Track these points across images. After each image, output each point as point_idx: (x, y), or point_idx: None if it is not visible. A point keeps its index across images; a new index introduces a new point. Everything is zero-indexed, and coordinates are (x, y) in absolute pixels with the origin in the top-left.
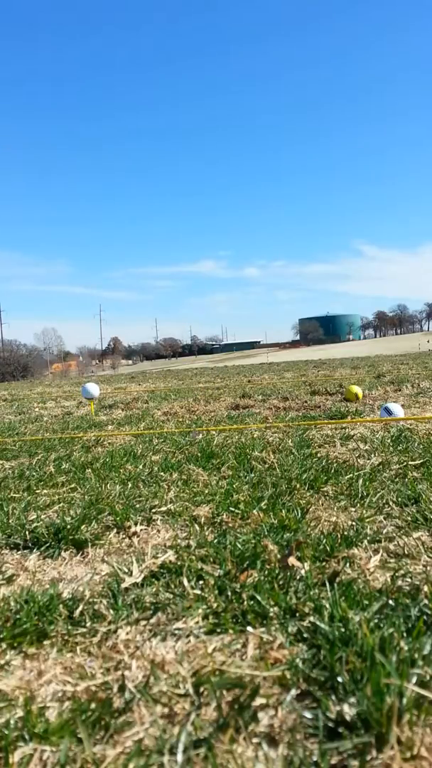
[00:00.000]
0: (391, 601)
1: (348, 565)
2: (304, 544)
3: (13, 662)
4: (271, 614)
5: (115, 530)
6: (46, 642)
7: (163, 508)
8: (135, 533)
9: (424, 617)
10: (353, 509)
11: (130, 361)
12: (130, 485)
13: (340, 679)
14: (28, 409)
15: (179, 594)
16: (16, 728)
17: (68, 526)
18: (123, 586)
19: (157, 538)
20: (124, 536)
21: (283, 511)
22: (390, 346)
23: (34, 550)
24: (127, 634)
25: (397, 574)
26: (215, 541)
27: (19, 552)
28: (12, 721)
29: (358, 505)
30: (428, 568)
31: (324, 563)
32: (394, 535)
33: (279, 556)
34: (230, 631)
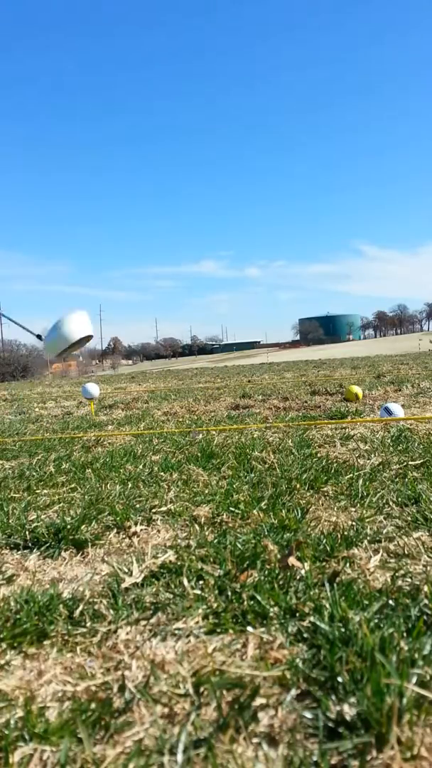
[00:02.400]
0: (391, 601)
1: (348, 565)
2: (304, 544)
3: (13, 662)
4: (271, 614)
5: (115, 530)
6: (46, 642)
7: (163, 508)
8: (135, 533)
9: (424, 617)
10: (353, 509)
11: (130, 361)
12: (130, 485)
13: (340, 679)
14: (28, 409)
15: (179, 594)
16: (16, 728)
17: (68, 526)
18: (123, 586)
19: (157, 538)
20: (124, 536)
21: (283, 511)
22: (390, 346)
23: (34, 550)
24: (127, 634)
25: (397, 574)
26: (215, 541)
27: (19, 552)
28: (12, 721)
29: (358, 505)
30: (428, 568)
31: (324, 563)
32: (394, 535)
33: (279, 556)
34: (230, 631)
